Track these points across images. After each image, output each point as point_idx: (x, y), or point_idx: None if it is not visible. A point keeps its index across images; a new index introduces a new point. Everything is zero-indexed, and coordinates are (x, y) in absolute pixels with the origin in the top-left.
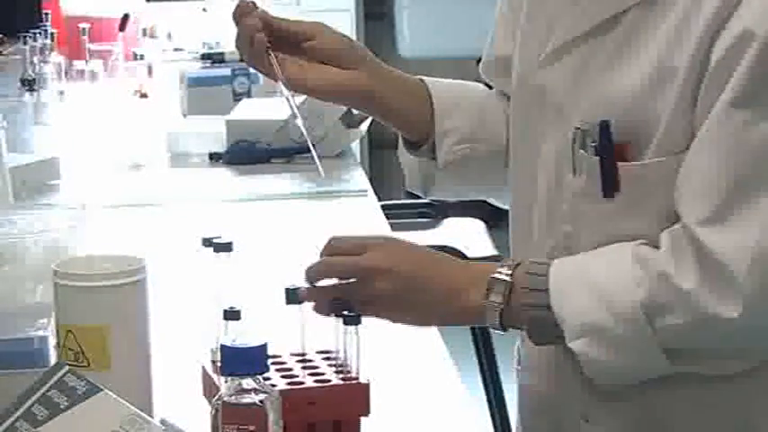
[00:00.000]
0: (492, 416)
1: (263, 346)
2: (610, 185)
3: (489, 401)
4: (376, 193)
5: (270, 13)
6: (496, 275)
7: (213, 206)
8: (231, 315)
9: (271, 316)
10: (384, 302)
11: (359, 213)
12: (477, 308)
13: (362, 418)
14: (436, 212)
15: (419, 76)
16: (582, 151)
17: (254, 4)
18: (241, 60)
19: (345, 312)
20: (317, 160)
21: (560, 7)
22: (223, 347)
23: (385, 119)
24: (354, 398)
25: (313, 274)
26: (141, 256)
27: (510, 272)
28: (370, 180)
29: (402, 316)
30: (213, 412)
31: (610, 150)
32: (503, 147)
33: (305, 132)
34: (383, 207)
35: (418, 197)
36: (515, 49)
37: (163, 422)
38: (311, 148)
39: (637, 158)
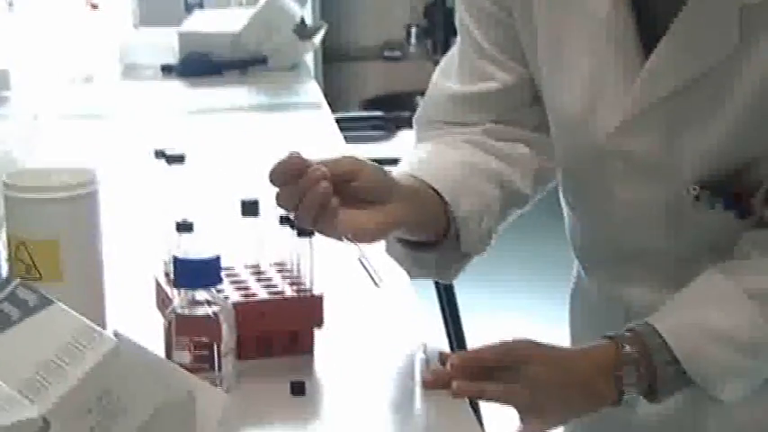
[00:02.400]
0: (444, 321)
1: (217, 259)
2: (744, 215)
3: (442, 308)
4: (330, 106)
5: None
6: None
7: (165, 118)
8: (184, 227)
9: (224, 228)
10: (540, 387)
11: (312, 126)
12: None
13: (317, 330)
14: (390, 125)
15: (404, 172)
16: (707, 205)
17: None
18: (284, 217)
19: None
20: (371, 272)
21: (620, 70)
22: (176, 259)
23: (410, 232)
24: (307, 309)
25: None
26: (93, 167)
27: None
28: (324, 93)
29: (557, 402)
30: (166, 324)
31: (737, 203)
32: (512, 197)
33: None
34: (337, 120)
35: (372, 109)
36: (553, 104)
37: (116, 334)
38: (367, 266)
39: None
